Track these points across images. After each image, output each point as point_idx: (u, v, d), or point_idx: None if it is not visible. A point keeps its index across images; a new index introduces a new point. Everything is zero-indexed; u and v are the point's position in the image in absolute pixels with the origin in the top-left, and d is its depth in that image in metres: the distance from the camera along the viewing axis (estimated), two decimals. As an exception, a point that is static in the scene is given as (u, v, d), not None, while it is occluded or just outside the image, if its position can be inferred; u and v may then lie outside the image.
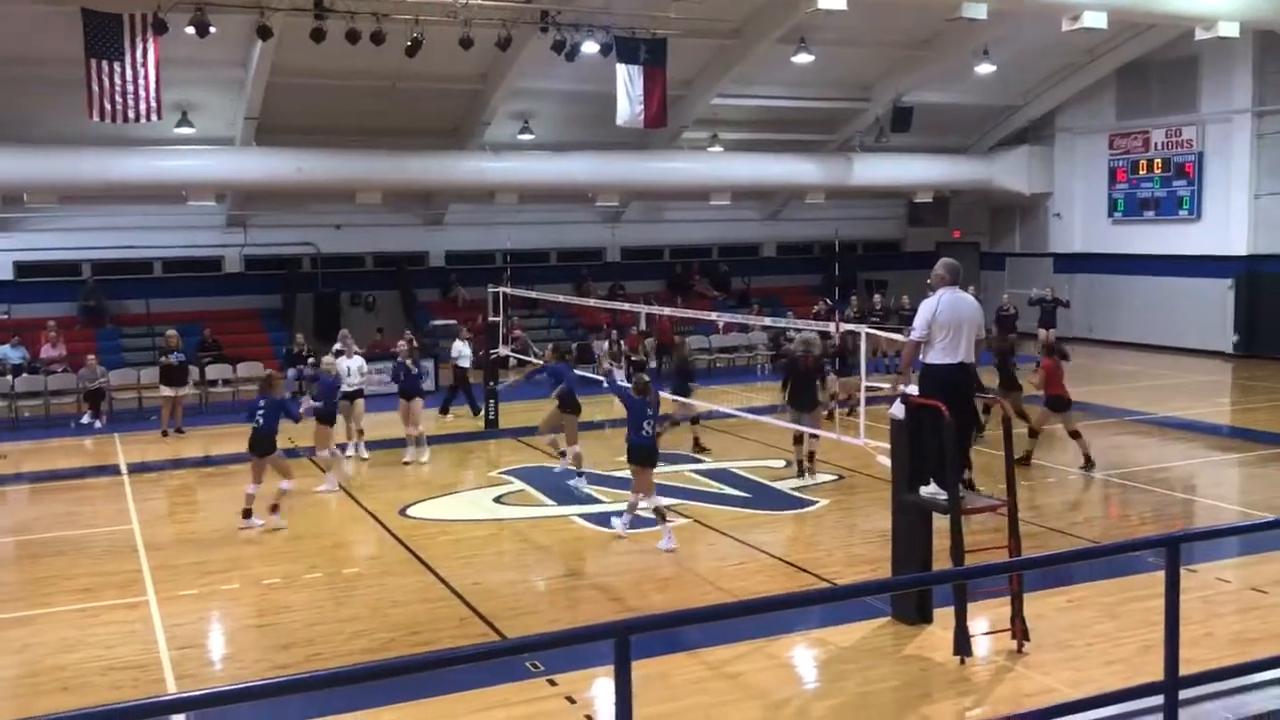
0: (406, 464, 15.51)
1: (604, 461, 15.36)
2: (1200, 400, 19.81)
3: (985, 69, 24.36)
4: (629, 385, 12.37)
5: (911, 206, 31.53)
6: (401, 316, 26.18)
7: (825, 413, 14.74)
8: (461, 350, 19.54)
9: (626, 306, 20.84)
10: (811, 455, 14.34)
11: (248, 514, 12.43)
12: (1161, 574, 5.33)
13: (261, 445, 12.49)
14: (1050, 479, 14.30)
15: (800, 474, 14.33)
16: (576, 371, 15.84)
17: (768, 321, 18.14)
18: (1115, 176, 28.06)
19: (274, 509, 12.50)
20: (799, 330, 16.07)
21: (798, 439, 14.31)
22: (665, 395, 14.59)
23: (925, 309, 8.80)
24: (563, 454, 14.60)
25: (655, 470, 12.00)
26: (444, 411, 19.31)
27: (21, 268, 24.16)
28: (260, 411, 12.49)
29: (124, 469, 15.89)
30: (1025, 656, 8.41)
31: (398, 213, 26.57)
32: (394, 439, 16.23)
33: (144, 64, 17.90)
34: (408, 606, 9.93)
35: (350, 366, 16.07)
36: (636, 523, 11.92)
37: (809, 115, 26.84)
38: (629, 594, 10.20)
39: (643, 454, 11.74)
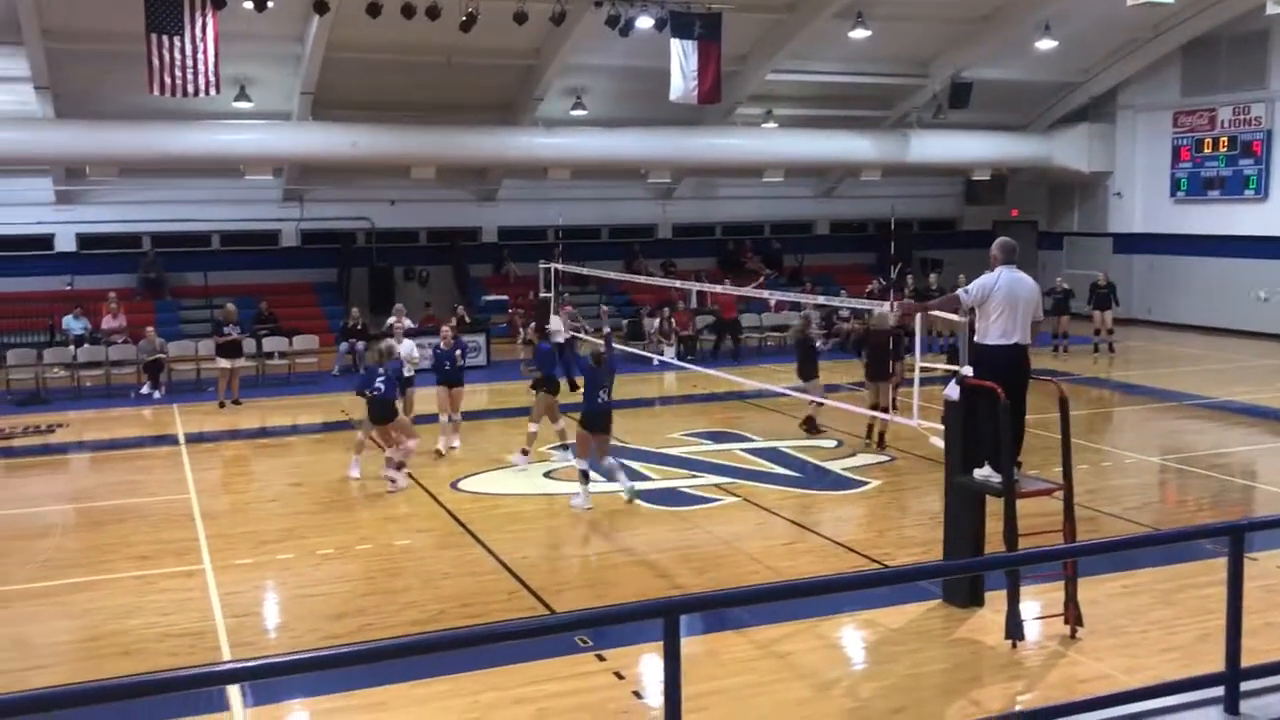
0: (440, 453, 14.70)
1: (655, 438, 15.38)
2: (1264, 385, 19.38)
3: (1046, 44, 23.88)
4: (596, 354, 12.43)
5: (969, 184, 31.12)
6: (454, 291, 26.32)
7: (897, 381, 14.86)
8: (559, 325, 19.60)
9: (678, 284, 20.78)
10: (883, 435, 14.68)
11: (393, 480, 12.87)
12: (1220, 561, 5.24)
13: (385, 412, 12.91)
14: (1106, 463, 14.09)
15: (872, 444, 14.75)
16: (624, 348, 15.80)
17: (820, 300, 18.01)
18: (1179, 155, 27.44)
19: (399, 466, 12.95)
20: (853, 309, 16.37)
21: (873, 408, 14.78)
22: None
23: (984, 281, 8.68)
24: (565, 446, 14.15)
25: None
26: (573, 387, 19.38)
27: (84, 240, 24.60)
28: (381, 379, 12.94)
29: (182, 439, 16.16)
30: (1079, 642, 8.30)
31: (451, 188, 26.68)
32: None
33: (203, 38, 18.08)
34: (458, 579, 10.02)
35: (408, 352, 15.31)
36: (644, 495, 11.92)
37: (865, 91, 26.52)
38: (677, 571, 10.20)
39: (597, 420, 12.08)
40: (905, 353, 16.03)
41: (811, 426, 15.66)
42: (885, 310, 14.48)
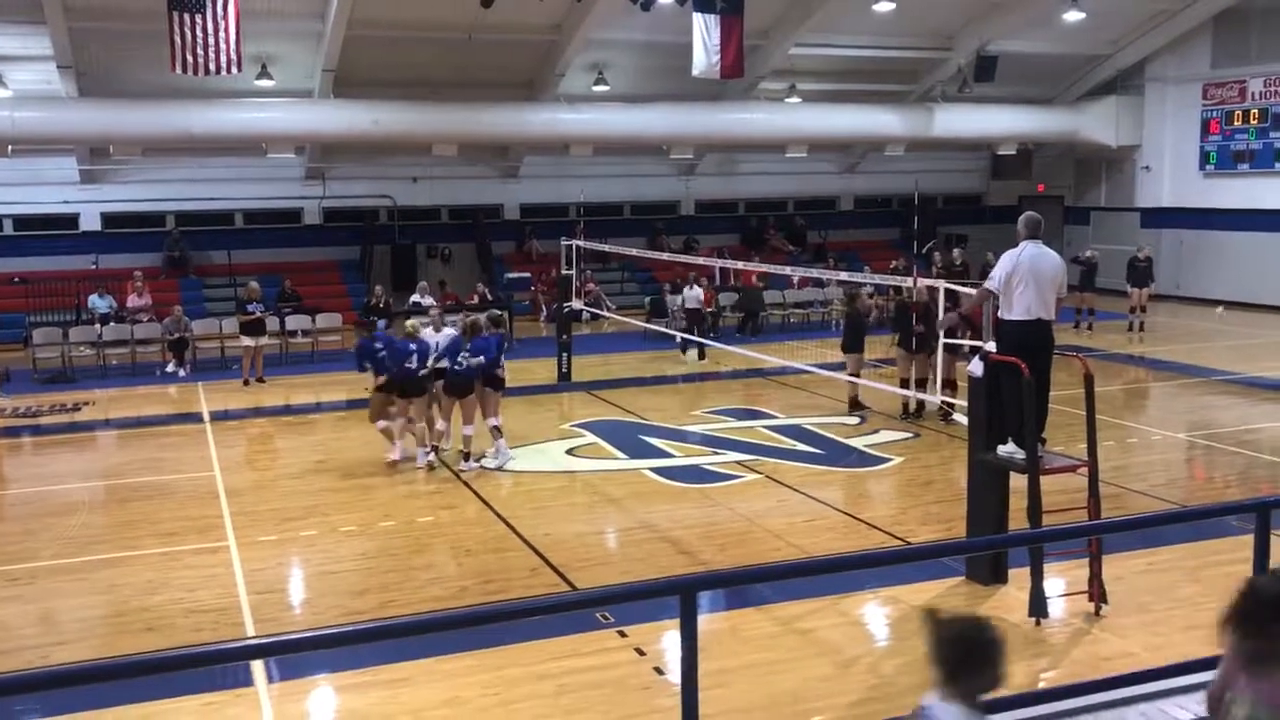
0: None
1: (678, 415, 15.37)
2: (1293, 360, 19.18)
3: (1073, 16, 23.57)
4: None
5: (994, 159, 30.83)
6: (476, 269, 26.35)
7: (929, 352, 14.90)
8: (689, 295, 20.56)
9: (701, 260, 20.73)
10: (921, 406, 14.91)
11: (467, 456, 12.92)
12: (1246, 539, 5.18)
13: (462, 388, 12.80)
14: (1132, 439, 13.97)
15: (907, 415, 15.00)
16: (650, 325, 15.74)
17: (844, 276, 17.91)
18: (1208, 128, 27.08)
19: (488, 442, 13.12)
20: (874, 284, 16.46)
21: (905, 384, 14.93)
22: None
23: (1005, 261, 8.59)
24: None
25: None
26: (684, 351, 19.84)
27: (108, 219, 24.76)
28: (465, 354, 12.83)
29: (206, 417, 16.26)
30: (1103, 620, 8.25)
31: (473, 165, 26.66)
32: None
33: (224, 16, 18.08)
34: (480, 556, 10.04)
35: (437, 340, 13.94)
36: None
37: (889, 65, 26.28)
38: (699, 548, 10.20)
39: (459, 386, 12.66)
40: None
41: (855, 405, 15.52)
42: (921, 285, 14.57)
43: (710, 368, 19.55)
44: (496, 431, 13.13)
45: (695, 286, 21.42)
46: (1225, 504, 10.64)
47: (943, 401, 13.57)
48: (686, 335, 19.15)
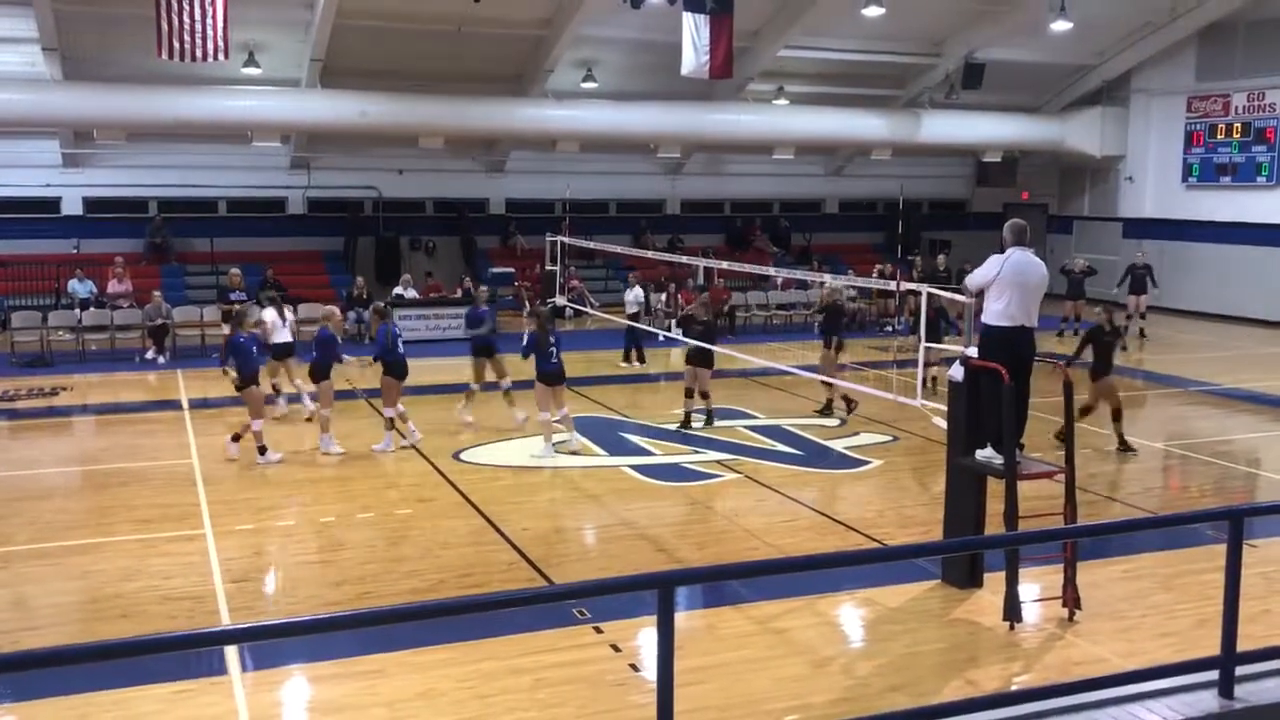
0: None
1: (658, 413, 15.39)
2: (1270, 372, 19.31)
3: (1061, 26, 23.67)
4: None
5: (979, 166, 30.95)
6: (460, 263, 26.28)
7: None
8: (629, 298, 20.22)
9: (685, 260, 20.71)
10: (846, 400, 15.26)
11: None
12: (1220, 548, 5.21)
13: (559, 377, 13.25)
14: (1109, 447, 14.05)
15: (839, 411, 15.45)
16: (632, 323, 15.75)
17: (827, 279, 17.93)
18: (1192, 140, 27.26)
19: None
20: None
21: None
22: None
23: (988, 266, 8.63)
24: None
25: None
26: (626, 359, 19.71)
27: (90, 203, 24.57)
28: (553, 348, 13.22)
29: (185, 404, 16.19)
30: (1076, 625, 8.31)
31: (459, 159, 26.60)
32: (457, 383, 16.11)
33: (213, 3, 17.98)
34: (458, 549, 10.04)
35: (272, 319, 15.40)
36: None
37: (878, 70, 26.36)
38: (677, 546, 10.21)
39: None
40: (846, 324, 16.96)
41: (827, 410, 15.52)
42: (839, 284, 15.78)
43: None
44: (389, 422, 13.46)
45: (637, 288, 20.75)
46: (1199, 512, 10.72)
47: (844, 397, 14.98)
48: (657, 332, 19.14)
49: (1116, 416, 13.63)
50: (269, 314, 15.41)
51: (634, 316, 20.25)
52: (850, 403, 15.33)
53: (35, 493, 11.69)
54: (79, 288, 21.38)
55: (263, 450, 12.84)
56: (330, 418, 13.46)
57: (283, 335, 15.49)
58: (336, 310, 14.32)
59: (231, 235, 24.99)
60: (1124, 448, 13.53)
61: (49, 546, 10.04)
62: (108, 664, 6.44)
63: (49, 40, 20.11)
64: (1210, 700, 5.05)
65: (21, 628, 8.26)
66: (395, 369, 13.50)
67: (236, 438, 13.01)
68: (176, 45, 18.04)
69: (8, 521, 10.72)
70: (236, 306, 18.60)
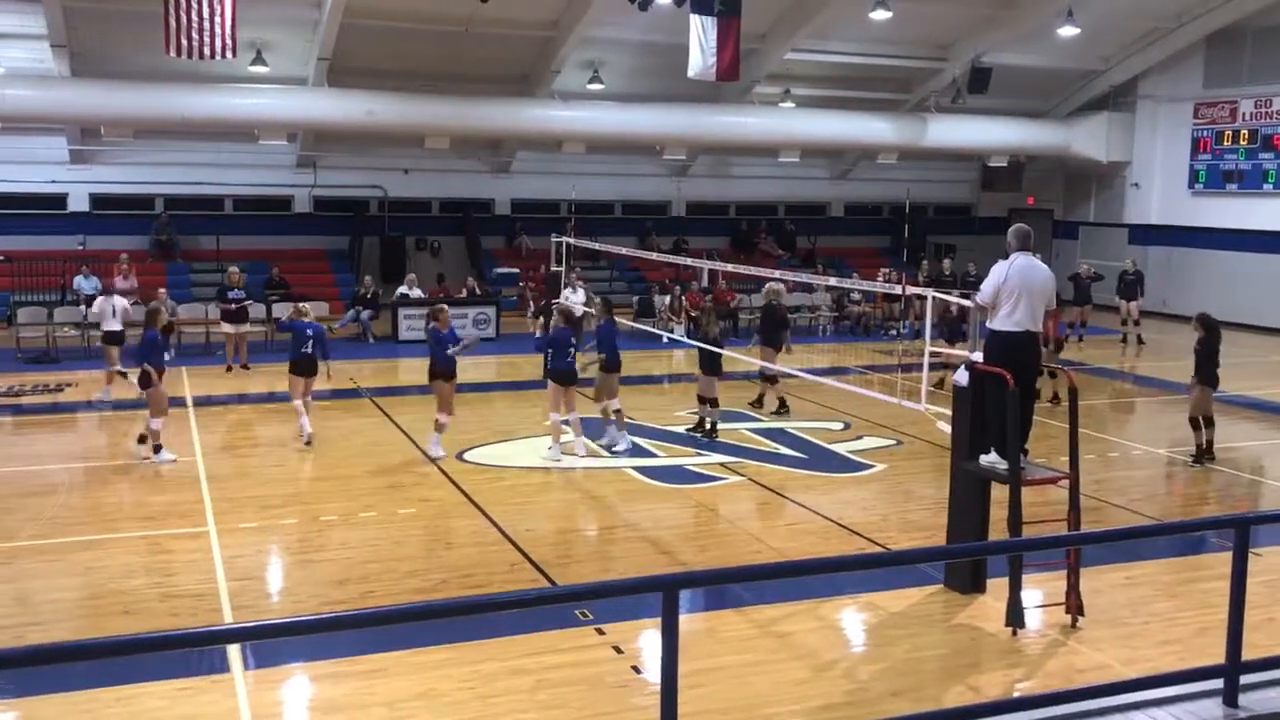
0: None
1: (662, 415, 15.38)
2: (1275, 380, 19.28)
3: (1068, 31, 23.66)
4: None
5: (985, 170, 30.93)
6: (466, 263, 26.30)
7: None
8: (570, 297, 19.60)
9: (689, 261, 20.70)
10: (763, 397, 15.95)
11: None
12: (1224, 555, 5.22)
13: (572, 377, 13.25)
14: (1114, 453, 14.04)
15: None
16: (638, 325, 15.79)
17: (832, 281, 17.93)
18: (1198, 147, 27.23)
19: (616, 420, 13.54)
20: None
21: (772, 378, 15.86)
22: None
23: (995, 274, 8.62)
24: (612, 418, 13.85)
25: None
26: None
27: (97, 200, 24.62)
28: (573, 346, 13.24)
29: (189, 401, 16.20)
30: (1079, 632, 8.29)
31: (465, 159, 26.62)
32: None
33: (221, 1, 17.99)
34: (461, 549, 10.04)
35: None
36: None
37: (884, 73, 26.35)
38: (679, 548, 10.21)
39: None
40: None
41: (759, 403, 16.10)
42: (780, 287, 16.23)
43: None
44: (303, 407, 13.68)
45: (579, 290, 20.06)
46: (1203, 519, 10.72)
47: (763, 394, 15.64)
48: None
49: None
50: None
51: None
52: (780, 401, 15.83)
53: (39, 488, 11.70)
54: (85, 284, 21.38)
55: (158, 449, 12.63)
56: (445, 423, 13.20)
57: None
58: (445, 309, 13.80)
59: (237, 233, 25.04)
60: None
61: (52, 542, 10.04)
62: (111, 661, 6.47)
63: (57, 37, 20.15)
64: (1215, 709, 5.04)
65: (25, 623, 8.27)
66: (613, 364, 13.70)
67: (142, 439, 12.85)
68: (184, 43, 18.05)
69: (12, 517, 10.73)
70: (234, 306, 18.75)
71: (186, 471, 12.39)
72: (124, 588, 8.98)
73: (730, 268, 19.24)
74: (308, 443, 13.41)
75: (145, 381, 12.76)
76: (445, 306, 13.92)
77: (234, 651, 7.60)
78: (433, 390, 13.33)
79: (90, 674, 6.96)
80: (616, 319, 14.97)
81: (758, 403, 16.19)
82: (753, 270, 17.25)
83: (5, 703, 6.93)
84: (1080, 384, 9.07)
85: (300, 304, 14.59)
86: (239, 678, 7.36)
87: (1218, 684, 5.12)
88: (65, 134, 23.44)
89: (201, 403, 16.17)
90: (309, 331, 13.58)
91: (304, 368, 13.57)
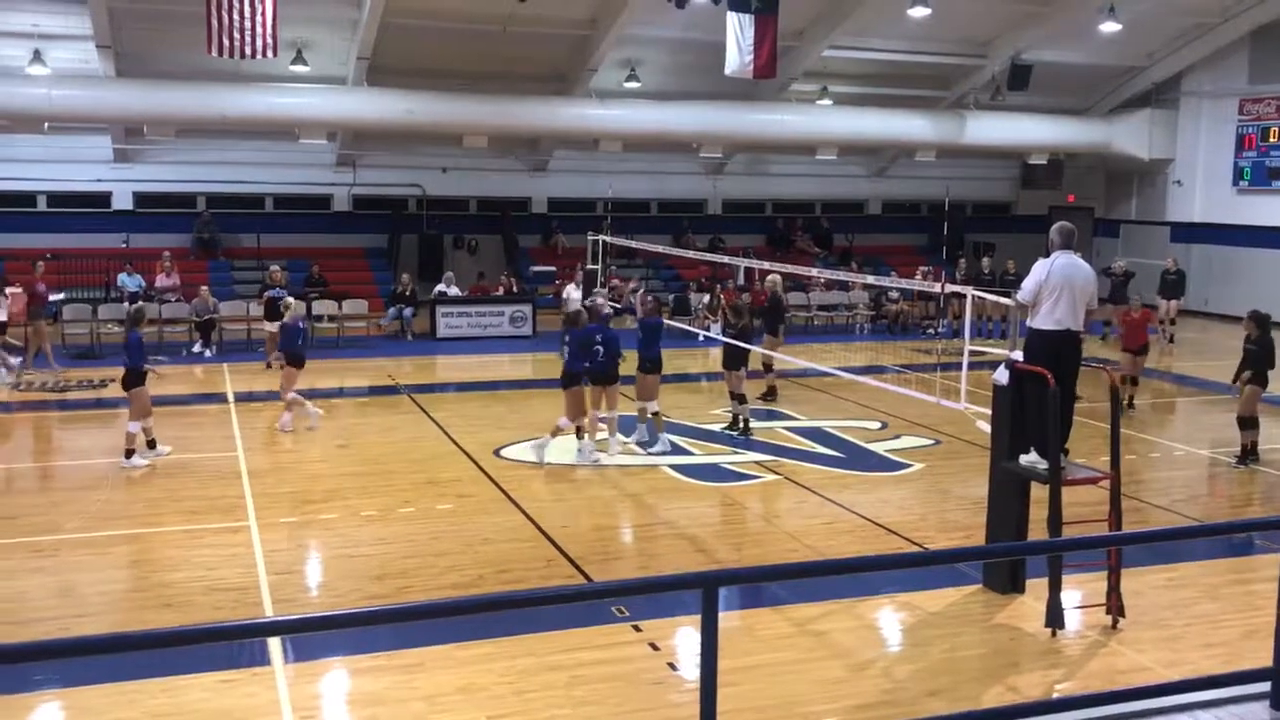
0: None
1: (699, 413, 15.37)
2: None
3: (1110, 27, 23.40)
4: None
5: (1025, 168, 30.62)
6: (503, 261, 26.40)
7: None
8: (570, 294, 19.58)
9: (725, 260, 20.68)
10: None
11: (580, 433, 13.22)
12: (1267, 558, 5.15)
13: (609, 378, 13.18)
14: (1155, 454, 13.88)
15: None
16: (672, 322, 15.81)
17: (870, 280, 17.84)
18: (1243, 143, 26.83)
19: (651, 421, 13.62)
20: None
21: (768, 368, 16.34)
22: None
23: (1036, 273, 8.56)
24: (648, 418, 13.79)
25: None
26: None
27: (140, 198, 24.95)
28: (598, 346, 13.09)
29: (231, 398, 16.38)
30: (1120, 633, 8.21)
31: (503, 158, 26.72)
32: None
33: (262, 1, 18.19)
34: (498, 545, 10.08)
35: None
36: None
37: (923, 71, 26.17)
38: (715, 546, 10.21)
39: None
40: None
41: (771, 394, 16.34)
42: (777, 278, 16.46)
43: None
44: (292, 404, 14.19)
45: (580, 289, 19.76)
46: (1247, 521, 10.57)
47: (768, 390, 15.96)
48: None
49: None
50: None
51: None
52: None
53: (84, 482, 11.89)
54: (128, 281, 21.70)
55: (129, 454, 12.42)
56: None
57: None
58: (582, 311, 13.73)
59: (277, 231, 25.28)
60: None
61: (97, 535, 10.20)
62: (156, 652, 6.57)
63: (103, 38, 20.43)
64: (1261, 712, 4.98)
65: (71, 614, 8.40)
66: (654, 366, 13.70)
67: (151, 444, 12.71)
68: (226, 42, 18.27)
69: (58, 510, 10.91)
70: (276, 300, 18.93)
71: (228, 466, 12.52)
72: (167, 581, 9.10)
73: (767, 265, 19.21)
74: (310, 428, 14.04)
75: (129, 382, 12.69)
76: (581, 310, 14.09)
77: (274, 644, 7.69)
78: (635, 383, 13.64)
79: (135, 665, 7.06)
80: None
81: (769, 395, 16.38)
82: (790, 268, 17.22)
83: (53, 692, 7.05)
84: (1117, 383, 8.97)
85: (287, 298, 15.86)
86: (279, 670, 7.44)
87: (1264, 687, 5.06)
88: (110, 133, 23.77)
89: (242, 399, 16.35)
90: (301, 325, 14.61)
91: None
